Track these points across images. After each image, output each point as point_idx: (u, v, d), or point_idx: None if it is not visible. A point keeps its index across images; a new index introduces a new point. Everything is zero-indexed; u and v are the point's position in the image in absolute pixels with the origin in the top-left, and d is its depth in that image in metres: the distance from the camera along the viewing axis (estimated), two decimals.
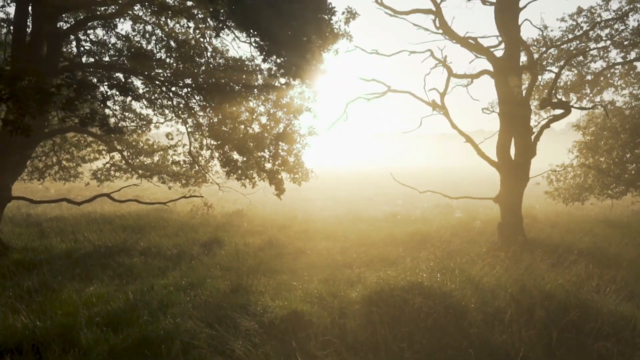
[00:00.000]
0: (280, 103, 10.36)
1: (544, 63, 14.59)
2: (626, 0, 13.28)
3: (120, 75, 11.49)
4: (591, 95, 15.91)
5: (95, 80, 11.62)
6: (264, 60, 7.68)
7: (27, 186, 21.65)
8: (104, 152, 15.14)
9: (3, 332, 5.07)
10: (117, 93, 9.55)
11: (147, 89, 12.75)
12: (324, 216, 16.69)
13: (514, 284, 6.05)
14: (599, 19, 13.73)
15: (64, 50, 12.19)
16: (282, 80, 9.79)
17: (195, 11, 9.97)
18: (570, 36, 14.02)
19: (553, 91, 10.36)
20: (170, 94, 11.83)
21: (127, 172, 15.30)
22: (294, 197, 19.90)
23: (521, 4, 10.79)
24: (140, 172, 14.87)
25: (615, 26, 13.72)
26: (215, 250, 10.33)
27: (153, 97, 13.14)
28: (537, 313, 5.14)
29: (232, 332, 5.26)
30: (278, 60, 8.08)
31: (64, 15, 11.29)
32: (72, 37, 12.14)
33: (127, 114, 14.37)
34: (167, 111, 13.50)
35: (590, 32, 13.70)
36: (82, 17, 11.75)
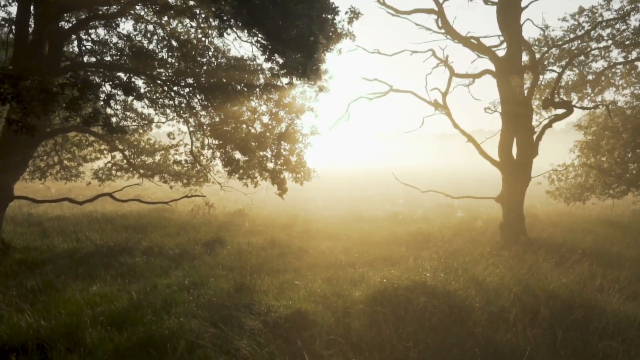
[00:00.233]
0: (283, 102, 10.34)
1: (545, 63, 14.58)
2: (628, 0, 13.28)
3: (121, 75, 11.48)
4: (592, 95, 15.91)
5: (96, 79, 11.60)
6: (268, 60, 7.67)
7: (28, 185, 21.64)
8: (105, 152, 15.12)
9: (8, 331, 5.08)
10: (121, 92, 9.53)
11: (149, 88, 12.74)
12: (325, 215, 16.70)
13: (518, 283, 6.06)
14: (600, 19, 13.73)
15: (65, 49, 12.18)
16: (285, 80, 9.79)
17: (197, 11, 9.96)
18: (572, 36, 14.02)
19: (555, 91, 10.35)
20: (172, 94, 11.82)
21: (129, 171, 15.28)
22: (295, 196, 19.88)
23: (523, 4, 10.80)
24: (141, 171, 14.85)
25: (617, 26, 13.71)
26: (217, 249, 10.33)
27: (154, 97, 13.13)
28: (541, 312, 5.15)
29: (237, 332, 5.26)
30: (281, 60, 8.07)
31: (65, 14, 11.27)
32: (73, 36, 12.13)
33: (128, 113, 14.36)
34: (168, 111, 13.49)
35: (592, 32, 13.69)
36: (83, 16, 11.74)
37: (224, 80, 10.50)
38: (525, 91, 11.08)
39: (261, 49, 7.84)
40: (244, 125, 11.54)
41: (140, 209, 17.26)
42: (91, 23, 11.64)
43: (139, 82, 12.23)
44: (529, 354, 4.48)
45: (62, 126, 12.23)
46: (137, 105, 16.67)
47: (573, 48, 14.38)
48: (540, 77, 14.18)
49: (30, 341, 4.91)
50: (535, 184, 14.58)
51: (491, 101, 15.31)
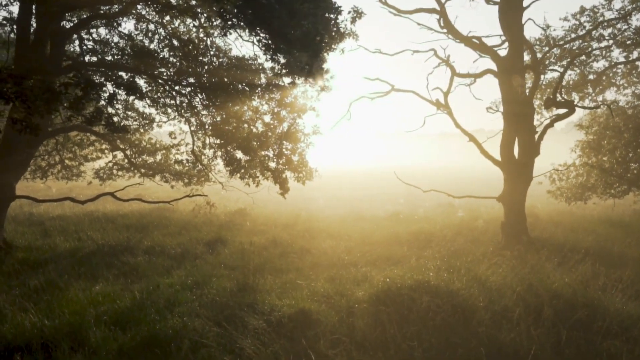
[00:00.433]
0: (285, 102, 10.35)
1: (546, 62, 14.59)
2: (629, 0, 13.28)
3: (123, 74, 11.48)
4: (593, 94, 15.92)
5: (98, 79, 11.60)
6: (272, 60, 7.67)
7: (29, 185, 21.64)
8: (106, 151, 15.13)
9: (12, 330, 5.08)
10: (124, 92, 9.53)
11: (150, 87, 12.74)
12: (326, 215, 16.71)
13: (521, 283, 6.07)
14: (601, 19, 13.73)
15: (66, 49, 12.17)
16: (287, 80, 9.79)
17: (199, 10, 9.96)
18: (573, 35, 14.02)
19: (559, 90, 10.35)
20: (173, 93, 11.82)
21: (130, 171, 15.28)
22: (296, 196, 19.88)
23: (525, 4, 10.79)
24: (142, 171, 14.86)
25: (618, 26, 13.72)
26: (219, 249, 10.34)
27: (156, 96, 13.13)
28: (545, 312, 5.16)
29: (241, 331, 5.27)
30: (282, 60, 8.08)
31: (67, 14, 11.26)
32: (74, 36, 12.13)
33: (129, 112, 14.36)
34: (169, 110, 13.50)
35: (593, 32, 13.70)
36: (85, 16, 11.74)
37: (226, 80, 10.51)
38: (527, 91, 11.08)
39: (264, 48, 7.84)
40: (246, 125, 11.55)
41: (141, 208, 17.26)
42: (92, 22, 11.64)
43: (141, 82, 12.25)
44: (533, 354, 4.49)
45: (63, 125, 12.24)
46: (139, 104, 16.67)
47: (574, 48, 14.39)
48: (542, 76, 14.19)
49: (34, 340, 4.91)
50: (536, 183, 14.60)
51: (492, 101, 15.33)
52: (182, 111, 12.53)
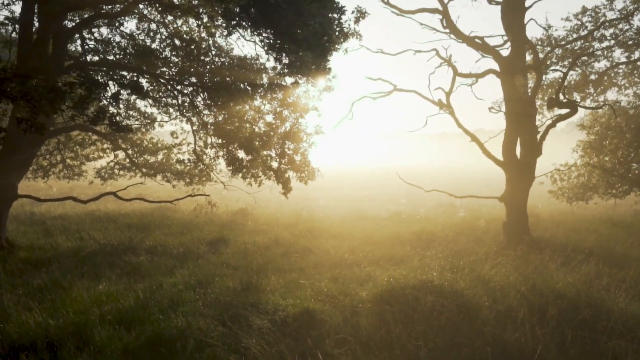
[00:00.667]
0: (287, 102, 10.35)
1: (548, 62, 14.60)
2: (631, 0, 13.29)
3: (125, 74, 11.48)
4: (594, 94, 15.93)
5: (99, 78, 11.60)
6: (275, 60, 7.68)
7: (30, 184, 21.64)
8: (108, 151, 15.13)
9: (17, 329, 5.09)
10: (129, 92, 9.53)
11: (152, 87, 12.74)
12: (328, 215, 16.71)
13: (525, 282, 6.07)
14: (603, 19, 13.74)
15: (68, 48, 12.17)
16: (289, 80, 9.80)
17: (201, 10, 9.96)
18: (575, 36, 14.03)
19: (562, 90, 10.36)
20: (175, 92, 11.82)
21: (131, 170, 15.29)
22: (297, 195, 19.90)
23: (527, 4, 10.80)
24: (144, 170, 14.87)
25: (620, 26, 13.73)
26: (221, 249, 10.34)
27: (157, 96, 13.13)
28: (549, 312, 5.16)
29: (245, 330, 5.27)
30: (287, 60, 8.08)
31: (69, 13, 11.26)
32: (76, 35, 12.12)
33: (131, 112, 14.36)
34: (171, 110, 13.50)
35: (595, 32, 13.71)
36: (86, 15, 11.74)
37: (228, 79, 10.51)
38: (529, 91, 11.08)
39: (268, 48, 7.84)
40: (248, 125, 11.56)
41: (142, 208, 17.27)
42: (94, 22, 11.63)
43: (142, 81, 12.25)
44: (539, 353, 4.50)
45: (65, 125, 12.23)
46: (140, 104, 16.66)
47: (576, 48, 14.40)
48: (543, 77, 14.19)
49: (39, 339, 4.92)
50: (538, 183, 14.63)
51: (494, 101, 15.34)
52: (184, 111, 12.53)
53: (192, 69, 11.32)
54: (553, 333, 4.94)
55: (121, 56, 12.07)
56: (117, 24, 12.04)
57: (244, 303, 6.23)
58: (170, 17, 11.47)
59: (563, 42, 14.05)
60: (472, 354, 4.58)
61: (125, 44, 12.35)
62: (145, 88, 10.81)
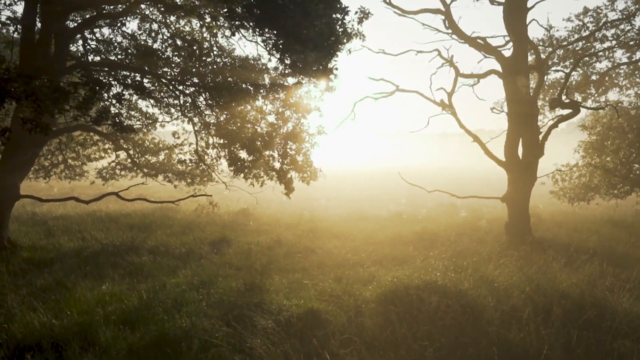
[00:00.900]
0: (289, 102, 10.35)
1: (550, 63, 14.61)
2: (632, 1, 13.30)
3: (126, 74, 11.48)
4: (596, 95, 15.95)
5: (102, 78, 11.60)
6: (279, 60, 7.67)
7: (31, 184, 21.64)
8: (109, 151, 15.13)
9: (22, 330, 5.09)
10: (132, 92, 9.53)
11: (154, 87, 12.74)
12: (329, 215, 16.71)
13: (529, 283, 6.07)
14: (604, 19, 13.75)
15: (70, 48, 12.16)
16: (291, 80, 9.80)
17: (203, 10, 9.95)
18: (576, 36, 14.04)
19: (564, 91, 10.37)
20: (177, 93, 11.82)
21: (132, 170, 15.30)
22: (298, 196, 19.93)
23: (529, 4, 10.81)
24: (145, 170, 14.87)
25: (621, 26, 13.74)
26: (223, 249, 10.34)
27: (159, 96, 13.13)
28: (554, 312, 5.16)
29: (250, 331, 5.27)
30: (288, 61, 8.08)
31: (71, 13, 11.26)
32: (78, 35, 12.12)
33: (132, 112, 14.36)
34: (173, 110, 13.50)
35: (596, 33, 13.72)
36: (88, 16, 11.74)
37: (230, 80, 10.51)
38: (531, 91, 11.09)
39: (271, 48, 7.84)
40: (249, 125, 11.56)
41: (144, 208, 17.26)
42: (96, 22, 11.63)
43: (144, 81, 12.24)
44: (546, 353, 4.50)
45: (67, 125, 12.23)
46: (142, 104, 16.67)
47: (577, 48, 14.41)
48: (545, 77, 14.20)
49: (44, 340, 4.92)
50: (539, 184, 14.65)
51: (495, 101, 15.35)
52: (186, 111, 12.53)
53: (194, 69, 11.33)
54: (558, 333, 4.94)
55: (123, 56, 12.07)
56: (118, 24, 12.04)
57: (248, 303, 6.22)
58: (172, 18, 11.47)
59: (564, 43, 14.06)
60: (477, 353, 4.58)
61: (127, 44, 12.35)
62: (148, 88, 10.81)
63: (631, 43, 13.82)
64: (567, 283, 6.12)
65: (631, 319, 5.21)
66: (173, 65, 11.67)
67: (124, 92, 9.94)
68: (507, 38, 11.60)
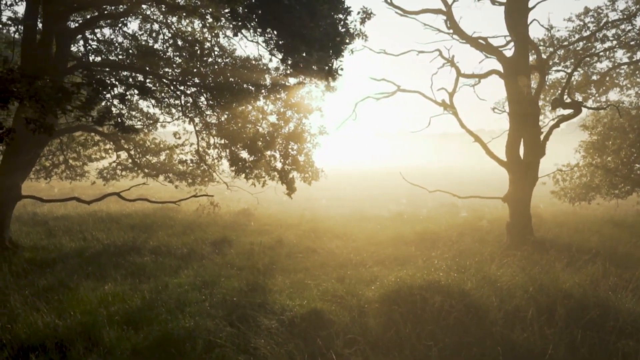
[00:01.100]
0: (291, 102, 10.35)
1: (550, 63, 14.62)
2: (633, 1, 13.31)
3: (127, 74, 11.48)
4: (596, 95, 15.97)
5: (103, 78, 11.59)
6: (282, 61, 7.67)
7: (31, 185, 21.62)
8: (110, 151, 15.13)
9: (26, 330, 5.09)
10: (135, 92, 9.53)
11: (155, 87, 12.73)
12: (330, 215, 16.72)
13: (532, 283, 6.08)
14: (605, 19, 13.76)
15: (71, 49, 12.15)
16: (293, 80, 9.80)
17: (203, 10, 9.95)
18: (577, 36, 14.05)
19: (566, 91, 10.38)
20: (178, 93, 11.82)
21: (133, 171, 15.30)
22: (299, 196, 19.94)
23: (530, 4, 10.82)
24: (146, 170, 14.87)
25: (622, 26, 13.75)
26: (225, 249, 10.34)
27: (160, 96, 13.13)
28: (558, 312, 5.17)
29: (254, 331, 5.28)
30: (290, 61, 8.08)
31: (73, 14, 11.25)
32: (79, 36, 12.12)
33: (133, 112, 14.36)
34: (174, 110, 13.50)
35: (597, 33, 13.73)
36: (89, 16, 11.74)
37: (231, 80, 10.51)
38: (532, 91, 11.10)
39: (272, 48, 7.84)
40: (249, 125, 11.56)
41: (145, 208, 17.26)
42: (97, 22, 11.62)
43: (145, 81, 12.23)
44: (551, 353, 4.50)
45: (68, 125, 12.23)
46: (143, 104, 16.66)
47: (578, 48, 14.43)
48: (546, 77, 14.21)
49: (48, 340, 4.92)
50: (540, 184, 14.67)
51: (496, 101, 15.37)
52: (187, 111, 12.53)
53: (195, 70, 11.32)
54: (562, 333, 4.94)
55: (123, 57, 12.07)
56: (119, 24, 12.04)
57: (251, 303, 6.22)
58: (174, 18, 11.48)
59: (565, 43, 14.07)
60: (482, 353, 4.59)
61: (128, 45, 12.35)
62: (150, 88, 10.81)
63: (632, 43, 13.84)
64: (570, 283, 6.13)
65: (634, 318, 5.22)
66: (174, 65, 11.67)
67: (127, 93, 9.92)
68: (508, 38, 11.61)
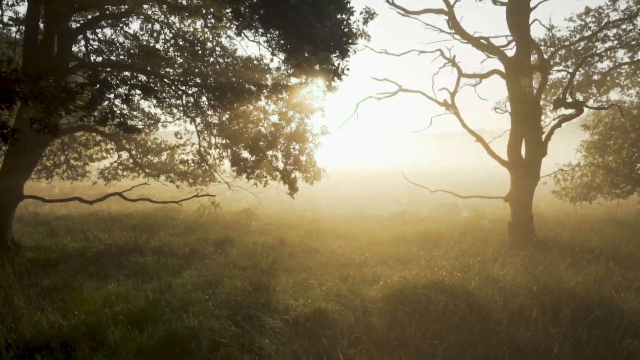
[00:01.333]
0: (293, 102, 10.35)
1: (551, 63, 14.63)
2: (634, 1, 13.32)
3: (128, 74, 11.47)
4: (597, 95, 15.98)
5: (108, 79, 11.59)
6: (285, 61, 7.67)
7: (32, 185, 21.61)
8: (111, 151, 15.13)
9: (31, 330, 5.09)
10: (139, 93, 9.53)
11: (156, 87, 12.72)
12: (331, 215, 16.72)
13: (536, 282, 6.09)
14: (606, 19, 13.77)
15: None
16: (295, 80, 9.80)
17: (210, 10, 9.94)
18: (578, 36, 14.06)
19: (568, 91, 10.39)
20: (180, 93, 11.82)
21: (134, 171, 15.29)
22: (300, 195, 19.97)
23: (532, 4, 10.82)
24: (147, 171, 14.87)
25: (623, 26, 13.76)
26: (227, 249, 10.34)
27: (162, 96, 13.12)
28: (562, 311, 5.17)
29: (258, 330, 5.28)
30: (294, 61, 8.07)
31: (74, 14, 11.25)
32: (80, 36, 12.11)
33: (135, 112, 14.34)
34: (175, 110, 13.49)
35: (598, 33, 13.74)
36: (90, 16, 11.73)
37: (233, 80, 10.51)
38: (534, 91, 11.11)
39: (275, 48, 7.83)
40: (250, 125, 11.56)
41: (146, 208, 17.26)
42: (99, 23, 11.62)
43: (146, 81, 12.22)
44: (556, 352, 4.51)
45: (69, 125, 12.23)
46: (144, 104, 16.65)
47: (579, 48, 14.44)
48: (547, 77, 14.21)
49: (53, 340, 4.91)
50: (541, 183, 14.68)
51: (497, 101, 15.38)
52: (188, 111, 12.53)
53: (197, 70, 11.32)
54: (567, 332, 4.95)
55: (125, 57, 12.07)
56: (121, 24, 12.03)
57: (255, 303, 6.23)
58: (175, 18, 11.48)
59: (566, 43, 14.08)
60: (487, 353, 4.59)
61: (129, 45, 12.35)
62: (156, 89, 10.81)
63: (633, 43, 13.85)
64: (574, 282, 6.14)
65: (638, 318, 5.23)
66: (175, 65, 11.67)
67: (131, 93, 9.92)
68: (510, 38, 11.63)
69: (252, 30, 8.54)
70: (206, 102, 11.69)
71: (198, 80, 11.21)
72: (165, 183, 15.44)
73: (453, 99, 11.53)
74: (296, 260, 9.20)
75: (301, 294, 6.57)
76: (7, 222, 9.67)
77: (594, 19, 14.01)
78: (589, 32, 13.87)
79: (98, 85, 7.43)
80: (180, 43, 11.89)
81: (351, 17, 7.50)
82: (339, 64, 7.33)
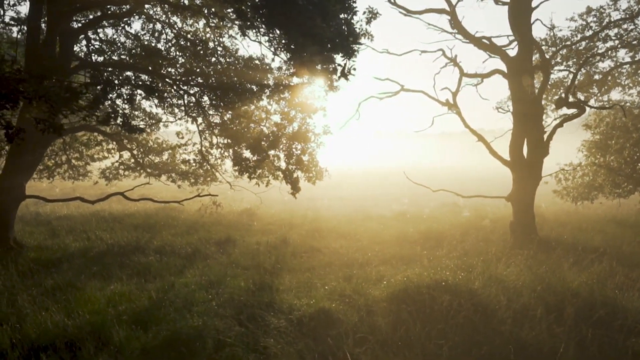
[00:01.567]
0: (295, 102, 10.36)
1: (553, 63, 14.63)
2: (635, 0, 13.32)
3: (130, 74, 11.47)
4: (598, 94, 15.99)
5: (111, 78, 11.58)
6: (288, 60, 7.66)
7: (33, 184, 21.60)
8: (113, 151, 15.13)
9: (35, 329, 5.09)
10: (143, 92, 9.53)
11: (159, 87, 12.71)
12: (333, 215, 16.73)
13: (540, 282, 6.09)
14: (608, 19, 13.78)
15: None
16: (296, 80, 9.79)
17: (213, 10, 9.94)
18: (580, 36, 14.07)
19: (570, 91, 10.39)
20: (181, 92, 11.82)
21: (136, 170, 15.30)
22: (302, 195, 19.93)
23: (534, 4, 10.83)
24: (149, 170, 14.87)
25: (624, 26, 13.77)
26: (229, 249, 10.35)
27: (164, 96, 13.11)
28: (566, 310, 5.18)
29: (263, 330, 5.28)
30: (297, 61, 8.07)
31: (76, 13, 11.24)
32: (81, 36, 12.11)
33: (136, 112, 14.34)
34: (176, 110, 13.48)
35: (599, 32, 13.75)
36: (91, 16, 11.73)
37: (234, 79, 10.51)
38: (536, 91, 11.11)
39: (277, 47, 7.83)
40: (253, 125, 11.55)
41: (147, 208, 17.26)
42: (100, 22, 11.62)
43: (148, 81, 12.21)
44: (562, 351, 4.51)
45: (71, 125, 12.23)
46: (145, 104, 16.66)
47: (581, 48, 14.44)
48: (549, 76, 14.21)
49: (58, 340, 4.92)
50: (542, 183, 14.68)
51: (498, 101, 15.39)
52: (190, 111, 12.52)
53: (198, 69, 11.32)
54: (571, 332, 4.96)
55: (126, 56, 12.06)
56: (122, 24, 12.03)
57: (259, 302, 6.23)
58: (177, 18, 11.48)
59: (568, 43, 14.09)
60: (492, 352, 4.60)
61: (131, 45, 12.35)
62: (159, 89, 10.82)
63: (634, 42, 13.86)
64: (577, 282, 6.14)
65: None
66: (177, 65, 11.67)
67: (134, 93, 9.93)
68: (512, 38, 11.63)
69: (254, 30, 8.56)
70: (208, 102, 11.69)
71: (200, 80, 11.21)
72: (167, 183, 15.44)
73: (455, 98, 11.53)
74: (299, 260, 9.20)
75: (305, 293, 6.57)
76: (10, 222, 9.67)
77: (595, 19, 14.02)
78: (591, 32, 13.88)
79: (101, 85, 7.42)
80: (182, 43, 11.89)
81: (354, 17, 7.52)
82: (345, 64, 7.33)
